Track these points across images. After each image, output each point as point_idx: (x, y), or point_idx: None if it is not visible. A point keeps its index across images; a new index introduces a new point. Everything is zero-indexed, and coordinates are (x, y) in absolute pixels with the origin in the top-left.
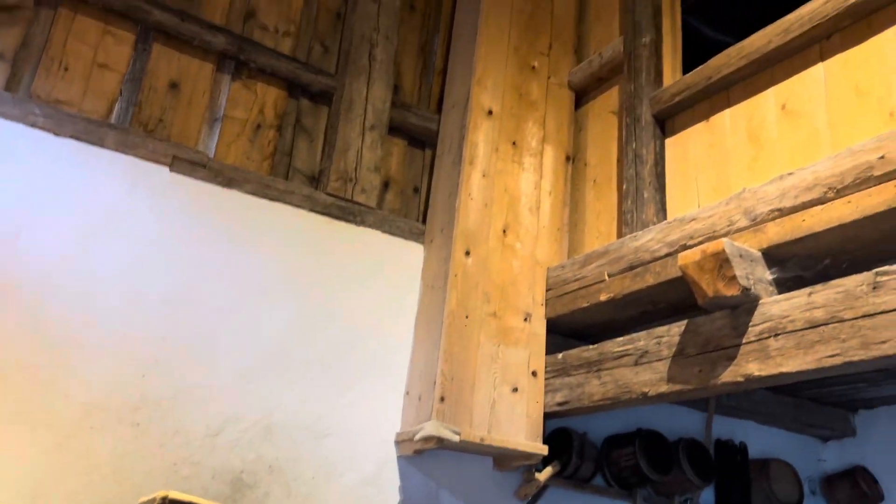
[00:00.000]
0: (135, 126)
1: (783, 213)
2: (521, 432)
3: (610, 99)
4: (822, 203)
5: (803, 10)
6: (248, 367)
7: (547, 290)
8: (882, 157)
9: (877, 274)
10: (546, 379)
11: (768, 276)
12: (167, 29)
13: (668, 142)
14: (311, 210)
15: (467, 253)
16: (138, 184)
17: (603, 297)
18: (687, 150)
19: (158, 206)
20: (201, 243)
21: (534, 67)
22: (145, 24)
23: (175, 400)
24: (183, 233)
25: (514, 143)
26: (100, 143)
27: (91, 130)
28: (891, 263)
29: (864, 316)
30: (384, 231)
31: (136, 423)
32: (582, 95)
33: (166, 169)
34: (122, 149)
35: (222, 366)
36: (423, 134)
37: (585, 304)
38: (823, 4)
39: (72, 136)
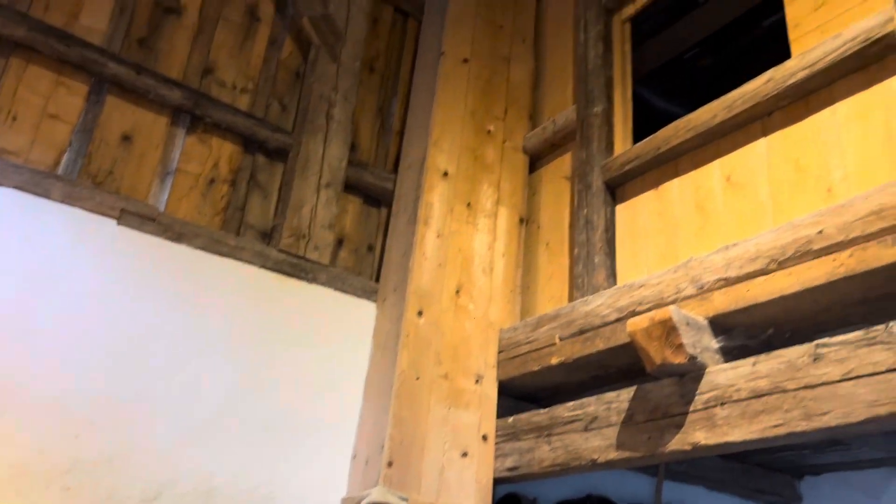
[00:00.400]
0: (83, 178)
1: (728, 282)
2: (471, 498)
3: (563, 164)
4: (766, 274)
5: (747, 88)
6: (189, 429)
7: (499, 352)
8: (821, 232)
9: (817, 346)
10: (496, 443)
11: (714, 344)
12: (122, 82)
13: (619, 208)
14: (262, 266)
15: (420, 313)
16: (83, 237)
17: (554, 361)
18: (637, 216)
19: (103, 260)
20: (146, 299)
21: (489, 131)
22: (100, 77)
23: (110, 463)
24: (128, 288)
25: (468, 205)
26: (45, 194)
27: (37, 181)
28: (831, 335)
29: (805, 387)
30: (336, 289)
31: (66, 487)
32: (536, 160)
33: (113, 222)
34: (68, 201)
35: (162, 427)
36: (378, 192)
37: (537, 368)
38: (765, 83)
39: (16, 187)
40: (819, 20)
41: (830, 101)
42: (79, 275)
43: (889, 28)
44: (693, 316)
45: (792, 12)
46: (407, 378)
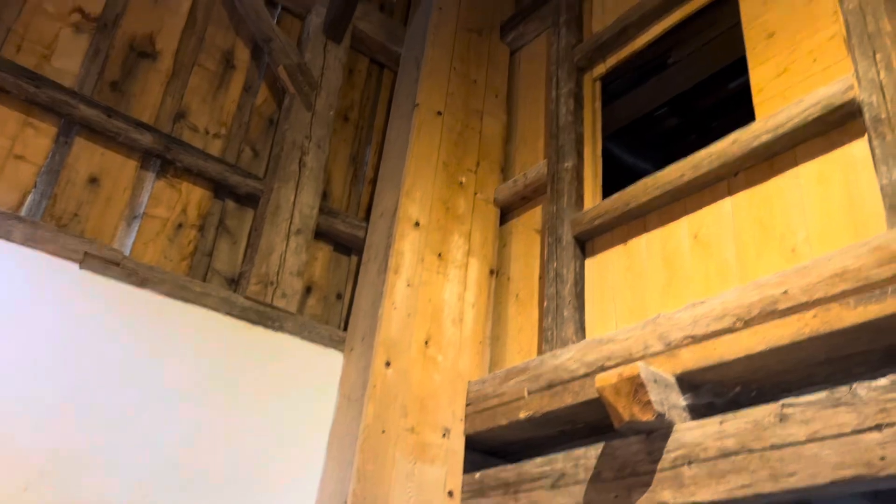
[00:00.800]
0: (47, 220)
1: (696, 340)
2: None
3: (533, 217)
4: (732, 332)
5: (713, 148)
6: (144, 482)
7: (467, 405)
8: (785, 293)
9: (783, 406)
10: (462, 499)
11: (682, 401)
12: (92, 124)
13: (588, 262)
14: (228, 314)
15: (388, 363)
16: (45, 280)
17: (522, 415)
18: (606, 271)
19: (64, 305)
20: (106, 344)
21: (461, 183)
22: (70, 119)
23: None
24: (88, 333)
25: (439, 255)
26: (6, 236)
27: None
28: (797, 394)
29: (772, 447)
30: (303, 338)
31: None
32: (507, 212)
33: (76, 266)
34: (29, 243)
35: (116, 479)
36: (349, 240)
37: (505, 422)
38: (731, 145)
39: None
40: (782, 86)
41: (794, 164)
42: (38, 319)
43: (850, 95)
44: (661, 373)
45: (756, 77)
46: (372, 431)
